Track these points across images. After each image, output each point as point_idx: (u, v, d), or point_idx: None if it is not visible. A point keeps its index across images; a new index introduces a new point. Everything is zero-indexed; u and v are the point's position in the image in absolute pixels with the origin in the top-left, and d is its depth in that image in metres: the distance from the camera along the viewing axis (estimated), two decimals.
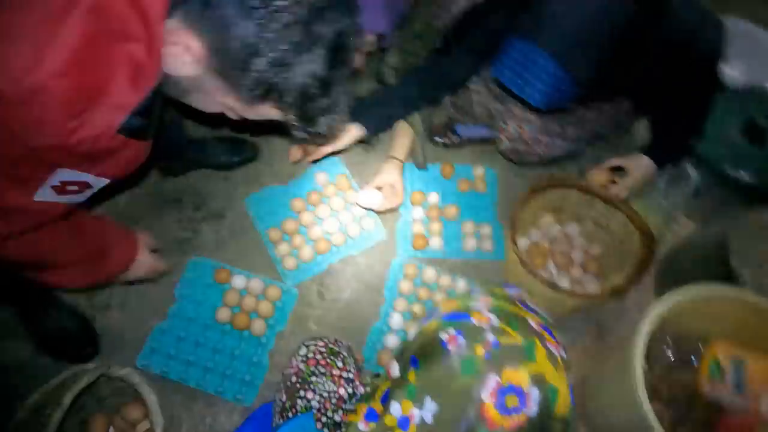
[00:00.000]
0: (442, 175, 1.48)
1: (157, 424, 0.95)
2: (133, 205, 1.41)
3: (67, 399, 0.88)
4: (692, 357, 0.99)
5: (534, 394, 0.54)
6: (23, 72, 0.57)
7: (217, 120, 1.07)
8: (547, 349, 0.58)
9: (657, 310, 0.92)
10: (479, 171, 1.48)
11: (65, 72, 0.59)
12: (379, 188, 1.30)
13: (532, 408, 0.54)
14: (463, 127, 1.50)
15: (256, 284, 1.30)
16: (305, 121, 0.75)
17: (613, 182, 1.22)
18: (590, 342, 1.27)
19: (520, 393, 0.54)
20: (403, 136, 1.34)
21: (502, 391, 0.54)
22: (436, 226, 1.40)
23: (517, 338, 0.57)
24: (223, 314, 1.26)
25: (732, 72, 1.42)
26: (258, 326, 1.25)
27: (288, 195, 1.41)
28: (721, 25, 1.06)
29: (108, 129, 0.65)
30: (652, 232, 1.12)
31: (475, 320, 0.58)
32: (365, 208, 1.35)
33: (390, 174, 1.30)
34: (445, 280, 1.33)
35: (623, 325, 1.28)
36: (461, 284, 1.32)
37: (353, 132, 1.24)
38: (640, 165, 1.20)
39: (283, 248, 1.35)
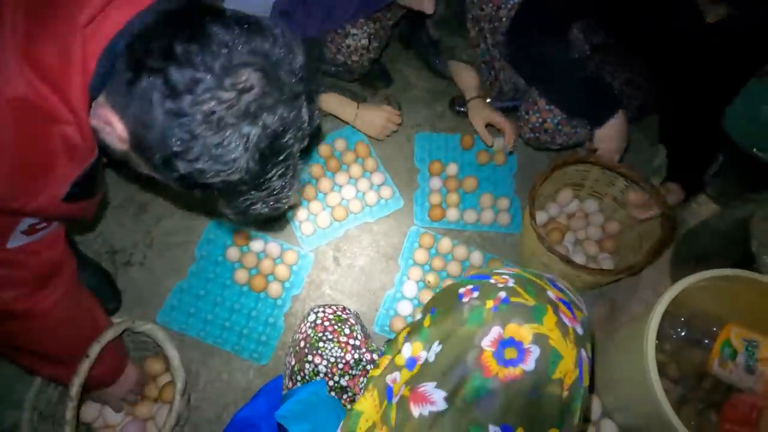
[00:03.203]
0: (461, 146, 1.46)
1: (179, 378, 0.99)
2: None
3: (94, 351, 0.91)
4: (705, 337, 0.99)
5: (534, 352, 0.55)
6: None
7: None
8: (559, 318, 0.58)
9: (674, 292, 0.92)
10: (499, 143, 1.47)
11: (7, 161, 0.58)
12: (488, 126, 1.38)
13: (530, 364, 0.55)
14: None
15: (273, 248, 1.32)
16: (237, 213, 0.71)
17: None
18: (602, 317, 1.28)
19: (519, 347, 0.55)
20: (465, 74, 1.38)
21: (503, 343, 0.55)
22: (453, 198, 1.40)
23: (528, 300, 0.58)
24: (241, 276, 1.28)
25: None
26: (274, 288, 1.28)
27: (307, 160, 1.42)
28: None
29: (53, 200, 0.65)
30: (674, 213, 1.11)
31: (492, 280, 0.61)
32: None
33: (485, 113, 1.37)
34: (461, 251, 1.33)
35: (636, 303, 1.29)
36: (476, 256, 1.33)
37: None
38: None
39: (300, 213, 1.36)
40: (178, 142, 0.59)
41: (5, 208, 0.63)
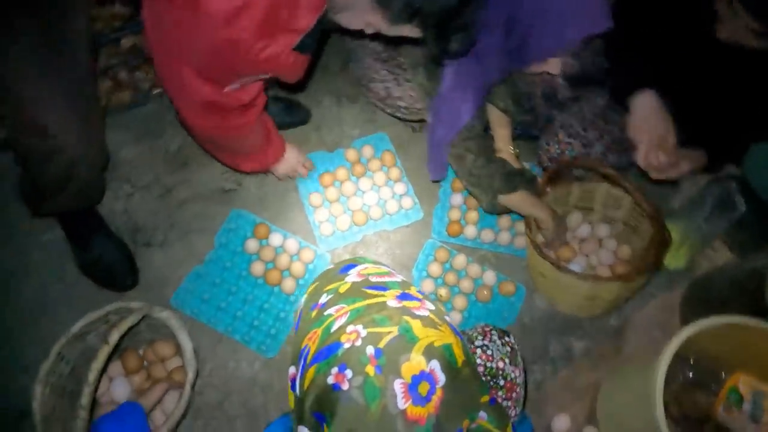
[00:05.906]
0: None
1: (191, 368, 1.00)
2: (184, 150, 1.44)
3: (114, 337, 0.93)
4: (711, 381, 1.00)
5: (435, 366, 0.53)
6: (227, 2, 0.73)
7: (275, 80, 1.10)
8: (418, 317, 0.57)
9: (684, 335, 0.93)
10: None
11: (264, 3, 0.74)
12: None
13: (441, 378, 0.53)
14: None
15: (291, 244, 1.34)
16: (440, 39, 0.83)
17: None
18: (607, 349, 1.29)
19: (425, 376, 0.53)
20: (497, 121, 1.33)
21: (412, 387, 0.52)
22: (473, 215, 1.41)
23: (391, 331, 0.55)
24: (258, 268, 1.30)
25: None
26: (288, 284, 1.29)
27: (334, 163, 1.44)
28: None
29: (286, 48, 0.82)
30: (661, 215, 1.14)
31: (345, 344, 0.55)
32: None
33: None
34: (474, 269, 1.35)
35: (642, 339, 1.30)
36: (489, 276, 1.34)
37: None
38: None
39: (322, 214, 1.38)
40: None
41: (248, 52, 0.80)
